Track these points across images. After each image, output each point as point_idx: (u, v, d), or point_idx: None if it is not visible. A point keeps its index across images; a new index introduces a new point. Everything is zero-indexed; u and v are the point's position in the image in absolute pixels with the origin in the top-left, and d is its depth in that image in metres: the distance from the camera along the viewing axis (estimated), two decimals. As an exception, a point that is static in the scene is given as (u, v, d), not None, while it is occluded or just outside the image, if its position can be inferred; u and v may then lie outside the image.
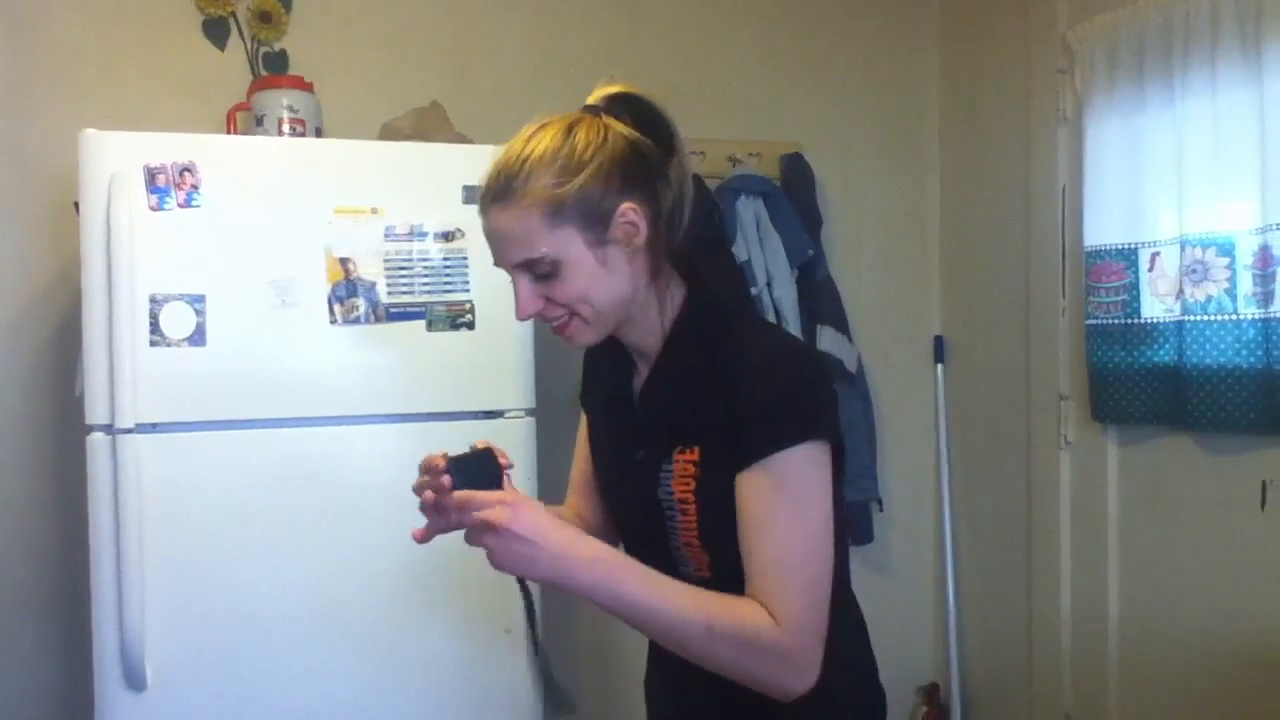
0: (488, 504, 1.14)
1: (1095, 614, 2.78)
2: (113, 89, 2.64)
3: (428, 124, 2.52)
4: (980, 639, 3.24)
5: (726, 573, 1.22)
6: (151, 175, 2.08)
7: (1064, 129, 2.85)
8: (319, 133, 2.52)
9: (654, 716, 1.48)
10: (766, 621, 1.15)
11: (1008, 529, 3.09)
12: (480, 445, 1.22)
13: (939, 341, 3.33)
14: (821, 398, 1.24)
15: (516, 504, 1.14)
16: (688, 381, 1.26)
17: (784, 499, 1.18)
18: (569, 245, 1.20)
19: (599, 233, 1.21)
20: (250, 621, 2.13)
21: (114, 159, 2.06)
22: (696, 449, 1.24)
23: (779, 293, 2.96)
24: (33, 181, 2.58)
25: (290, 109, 2.46)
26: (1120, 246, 2.60)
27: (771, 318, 2.95)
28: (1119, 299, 2.60)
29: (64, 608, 2.55)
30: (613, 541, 1.33)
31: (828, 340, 3.02)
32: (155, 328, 2.08)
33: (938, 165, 3.38)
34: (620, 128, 1.24)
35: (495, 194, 1.22)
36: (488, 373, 2.27)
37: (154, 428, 2.07)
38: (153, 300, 2.08)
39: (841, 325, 3.07)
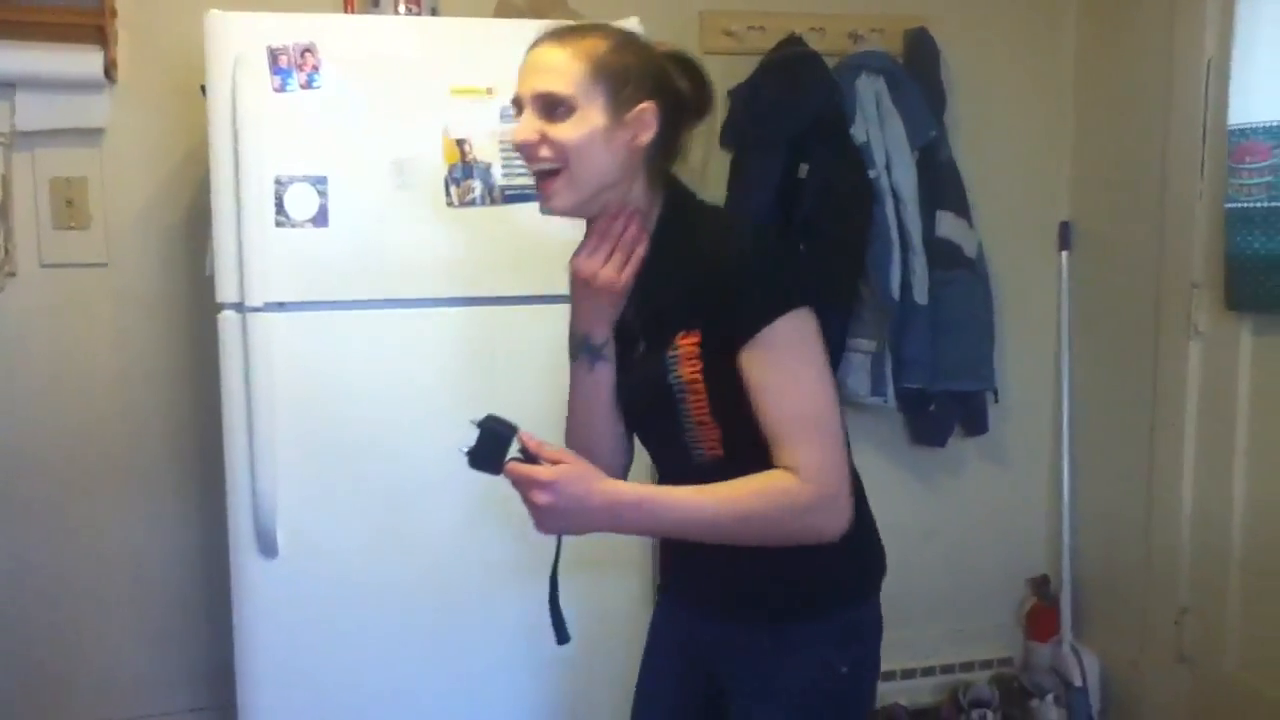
0: (529, 486, 1.29)
1: (1218, 510, 2.71)
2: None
3: (543, 2, 2.49)
4: (1095, 532, 3.19)
5: (738, 444, 1.35)
6: (274, 57, 2.10)
7: (1213, -2, 2.66)
8: (434, 12, 2.51)
9: (670, 573, 1.60)
10: (790, 482, 1.28)
11: (1129, 421, 3.00)
12: (480, 422, 1.32)
13: (1065, 227, 3.21)
14: (791, 271, 1.36)
15: (551, 485, 1.28)
16: (677, 272, 1.36)
17: (780, 364, 1.30)
18: (591, 102, 1.33)
19: (619, 110, 1.34)
20: (376, 492, 2.22)
21: (238, 41, 2.08)
22: (697, 332, 1.34)
23: (898, 175, 2.88)
24: (162, 64, 2.63)
25: (406, -12, 2.45)
26: (1268, 125, 2.44)
27: (889, 202, 2.88)
28: (1263, 180, 2.46)
29: (201, 478, 2.69)
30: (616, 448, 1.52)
31: (946, 225, 2.94)
32: (280, 208, 2.13)
33: (1073, 39, 3.20)
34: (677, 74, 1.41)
35: (556, 34, 1.37)
36: (602, 255, 2.27)
37: (281, 306, 2.14)
38: (278, 181, 2.12)
39: (962, 210, 2.97)
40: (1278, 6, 2.41)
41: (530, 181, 2.19)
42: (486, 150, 2.20)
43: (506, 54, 2.20)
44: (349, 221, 2.16)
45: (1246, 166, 2.49)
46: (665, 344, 1.37)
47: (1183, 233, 2.79)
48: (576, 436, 1.53)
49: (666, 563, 1.61)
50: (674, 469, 1.46)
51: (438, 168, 2.19)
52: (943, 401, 3.03)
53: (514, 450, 1.31)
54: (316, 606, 2.20)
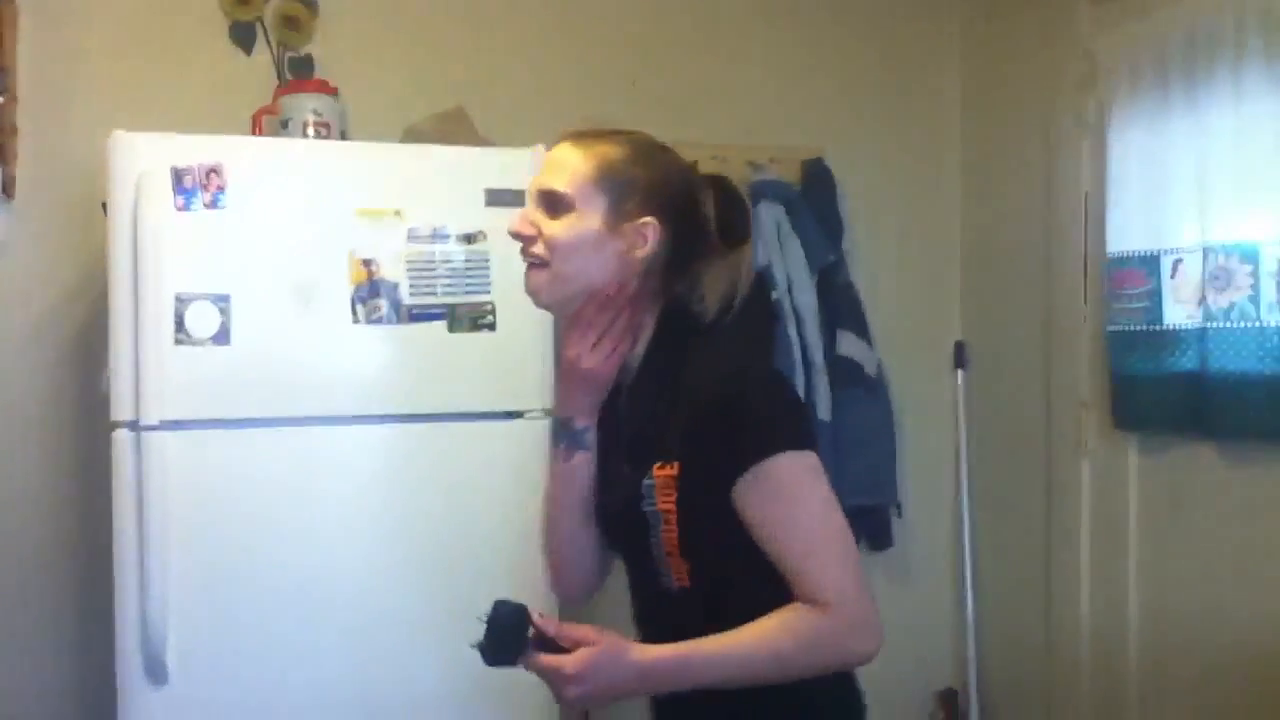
0: (558, 681, 1.23)
1: (1115, 621, 2.77)
2: (141, 92, 2.67)
3: (451, 127, 2.54)
4: (999, 645, 3.23)
5: (704, 581, 1.33)
6: (179, 176, 2.11)
7: (1087, 137, 2.83)
8: (343, 136, 2.54)
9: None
10: (815, 614, 1.25)
11: (1027, 535, 3.07)
12: (487, 614, 1.23)
13: (960, 347, 3.32)
14: (793, 415, 1.36)
15: (580, 676, 1.22)
16: (662, 396, 1.34)
17: (784, 498, 1.28)
18: (590, 205, 1.33)
19: (618, 219, 1.34)
20: (271, 616, 2.15)
21: (142, 160, 2.08)
22: (677, 463, 1.31)
23: (799, 298, 2.97)
24: (61, 181, 2.60)
25: (315, 112, 2.48)
26: (1142, 253, 2.59)
27: (791, 323, 2.96)
28: (1141, 306, 2.59)
29: (87, 602, 2.56)
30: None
31: (848, 345, 3.02)
32: (180, 326, 2.10)
33: (959, 171, 3.36)
34: (704, 196, 1.39)
35: (577, 135, 1.38)
36: (508, 374, 2.29)
37: (178, 425, 2.09)
38: (178, 299, 2.10)
39: (861, 330, 3.07)
40: (1145, 145, 2.58)
41: (437, 300, 2.24)
42: (394, 270, 2.22)
43: (414, 176, 2.27)
44: (251, 339, 2.14)
45: (1125, 292, 2.63)
46: (643, 471, 1.34)
47: (1070, 354, 2.91)
48: (551, 531, 1.48)
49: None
50: (644, 592, 1.42)
51: (344, 287, 2.19)
52: (847, 517, 3.06)
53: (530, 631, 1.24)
54: (207, 739, 2.11)
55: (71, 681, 2.62)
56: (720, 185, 1.43)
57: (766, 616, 1.27)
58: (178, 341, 2.09)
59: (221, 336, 2.12)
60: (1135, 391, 2.62)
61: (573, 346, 1.37)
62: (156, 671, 2.06)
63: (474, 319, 2.25)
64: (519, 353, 2.29)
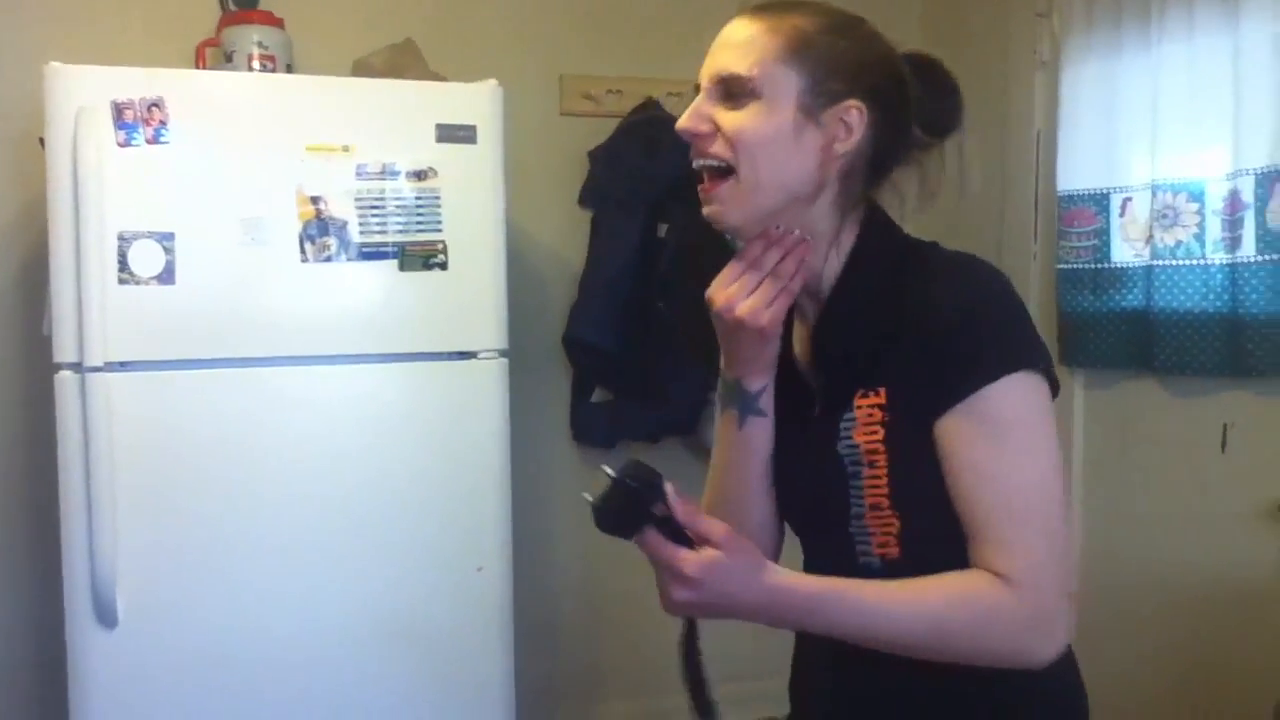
0: (667, 573, 1.00)
1: (1060, 555, 2.83)
2: (80, 22, 2.59)
3: (401, 61, 2.49)
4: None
5: (919, 543, 1.08)
6: (119, 110, 2.05)
7: (1041, 73, 2.84)
8: (289, 69, 2.49)
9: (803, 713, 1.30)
10: (998, 590, 1.01)
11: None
12: (611, 472, 0.99)
13: (912, 286, 3.34)
14: (1023, 322, 1.08)
15: (696, 581, 0.98)
16: (868, 316, 1.10)
17: (993, 439, 1.03)
18: (781, 88, 1.05)
19: (815, 105, 1.06)
20: (219, 559, 2.14)
21: (81, 93, 2.03)
22: (881, 390, 1.07)
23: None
24: (-3, 115, 2.54)
25: (260, 45, 2.42)
26: (1093, 191, 2.61)
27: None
28: (1090, 244, 2.62)
29: (38, 546, 2.55)
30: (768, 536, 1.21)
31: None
32: (124, 265, 2.06)
33: (914, 109, 3.36)
34: (910, 78, 1.13)
35: (757, 6, 1.10)
36: (460, 313, 2.27)
37: (123, 366, 2.07)
38: (121, 238, 2.06)
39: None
40: (1098, 81, 2.59)
41: (387, 239, 2.21)
42: (343, 207, 2.18)
43: (363, 112, 2.22)
44: (197, 279, 2.10)
45: (1075, 230, 2.65)
46: (841, 405, 1.09)
47: (1019, 291, 2.92)
48: (719, 507, 1.20)
49: (802, 687, 1.29)
50: (829, 568, 1.09)
51: (292, 225, 2.15)
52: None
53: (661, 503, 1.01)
54: (159, 679, 2.10)
55: (24, 623, 2.61)
56: (930, 66, 1.15)
57: (941, 578, 1.03)
58: (121, 281, 2.06)
59: (166, 276, 2.08)
60: (1082, 329, 2.66)
61: (721, 290, 1.09)
62: (106, 615, 2.06)
63: (425, 258, 2.23)
64: (471, 292, 2.27)
